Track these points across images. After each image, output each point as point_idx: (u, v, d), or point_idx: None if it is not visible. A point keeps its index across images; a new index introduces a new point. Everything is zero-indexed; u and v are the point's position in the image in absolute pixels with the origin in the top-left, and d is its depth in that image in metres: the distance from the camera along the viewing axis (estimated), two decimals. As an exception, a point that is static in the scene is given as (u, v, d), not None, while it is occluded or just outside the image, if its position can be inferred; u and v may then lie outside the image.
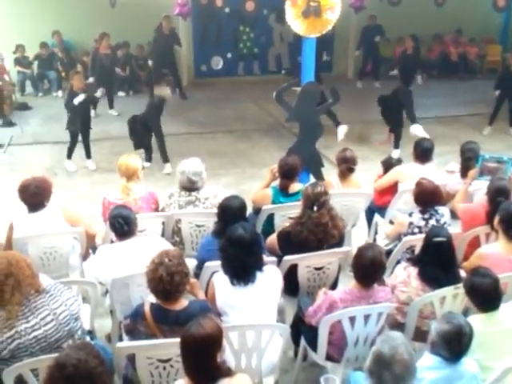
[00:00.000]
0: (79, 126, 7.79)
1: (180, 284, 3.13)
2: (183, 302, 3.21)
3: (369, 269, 3.47)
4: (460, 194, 4.93)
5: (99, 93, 7.77)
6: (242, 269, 3.50)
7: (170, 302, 3.17)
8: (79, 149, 8.10)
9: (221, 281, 3.54)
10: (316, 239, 4.07)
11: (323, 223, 4.07)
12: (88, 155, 8.18)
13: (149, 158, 8.11)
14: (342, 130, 7.97)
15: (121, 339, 3.73)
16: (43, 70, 12.11)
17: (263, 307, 3.54)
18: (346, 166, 5.21)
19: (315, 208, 4.07)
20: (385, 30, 12.88)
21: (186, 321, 3.11)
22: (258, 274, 3.54)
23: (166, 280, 3.08)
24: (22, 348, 2.92)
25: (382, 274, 3.64)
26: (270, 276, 3.60)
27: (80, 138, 7.96)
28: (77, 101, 7.53)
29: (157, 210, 4.87)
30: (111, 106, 10.77)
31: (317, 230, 4.06)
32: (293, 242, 4.09)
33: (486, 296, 3.26)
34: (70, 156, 8.04)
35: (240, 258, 3.47)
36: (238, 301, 3.49)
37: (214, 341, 2.65)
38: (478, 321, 3.17)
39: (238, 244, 3.50)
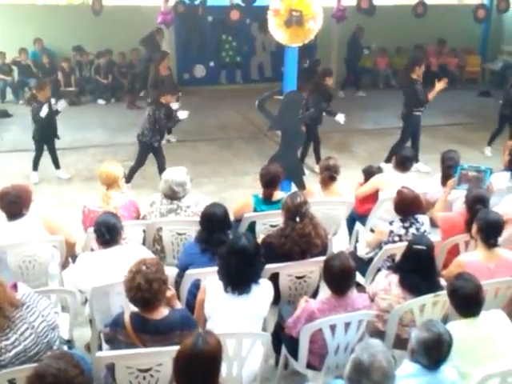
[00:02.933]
0: (46, 135, 7.70)
1: (158, 292, 3.10)
2: (163, 311, 3.18)
3: (341, 278, 3.48)
4: (440, 202, 4.98)
5: (59, 106, 7.70)
6: (239, 279, 3.48)
7: (149, 311, 3.13)
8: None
9: (214, 286, 3.52)
10: (300, 250, 4.07)
11: (307, 233, 4.08)
12: (56, 165, 8.06)
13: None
14: (341, 116, 7.95)
15: (100, 348, 3.70)
16: (24, 78, 12.01)
17: (250, 319, 3.54)
18: (328, 174, 5.25)
19: (297, 219, 4.08)
20: (365, 45, 13.22)
21: (167, 330, 3.11)
22: (253, 287, 3.53)
23: (145, 288, 3.04)
24: (3, 366, 2.85)
25: (355, 277, 3.64)
26: (264, 290, 3.60)
27: (46, 147, 7.85)
28: (43, 113, 7.42)
29: (138, 218, 4.83)
30: None
31: (301, 240, 4.07)
32: (275, 252, 4.08)
33: (466, 300, 3.28)
34: (35, 167, 7.89)
35: (239, 268, 3.45)
36: (227, 308, 3.48)
37: (217, 359, 2.63)
38: (457, 326, 3.20)
39: (240, 255, 3.48)
